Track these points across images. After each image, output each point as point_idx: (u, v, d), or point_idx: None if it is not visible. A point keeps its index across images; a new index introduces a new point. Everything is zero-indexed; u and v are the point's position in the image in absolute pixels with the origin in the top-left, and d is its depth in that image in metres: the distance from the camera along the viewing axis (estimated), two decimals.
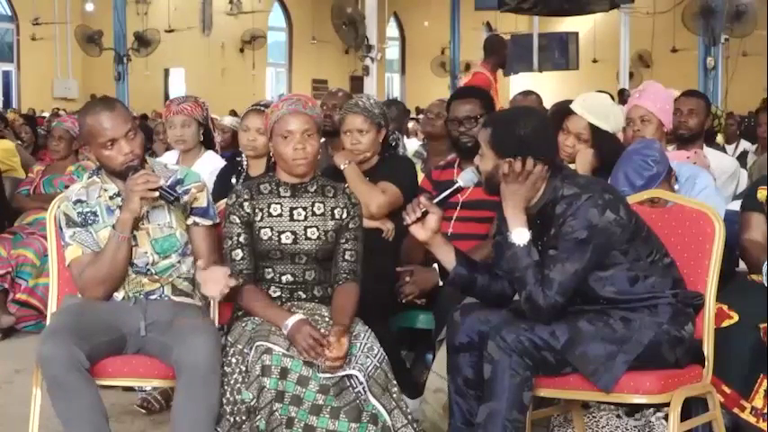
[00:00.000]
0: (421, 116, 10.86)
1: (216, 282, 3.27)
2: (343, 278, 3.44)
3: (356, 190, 3.78)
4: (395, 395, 3.27)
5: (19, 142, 8.72)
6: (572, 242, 3.06)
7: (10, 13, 23.55)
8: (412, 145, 7.57)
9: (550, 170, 3.17)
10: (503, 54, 8.41)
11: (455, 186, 3.36)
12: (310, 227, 3.45)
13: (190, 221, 3.51)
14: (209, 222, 3.53)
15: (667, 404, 3.13)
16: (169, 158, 5.17)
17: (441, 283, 3.91)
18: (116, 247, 3.39)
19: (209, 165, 4.93)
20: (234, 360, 3.25)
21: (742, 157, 8.27)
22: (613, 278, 3.13)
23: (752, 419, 3.45)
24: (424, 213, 3.22)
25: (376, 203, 4.23)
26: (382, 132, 4.38)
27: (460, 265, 3.28)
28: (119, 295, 3.47)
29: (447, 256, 3.29)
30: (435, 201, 3.28)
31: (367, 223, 3.89)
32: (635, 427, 4.01)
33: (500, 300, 3.27)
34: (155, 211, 3.48)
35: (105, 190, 3.50)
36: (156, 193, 3.35)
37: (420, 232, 3.24)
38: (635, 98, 4.54)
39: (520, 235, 3.12)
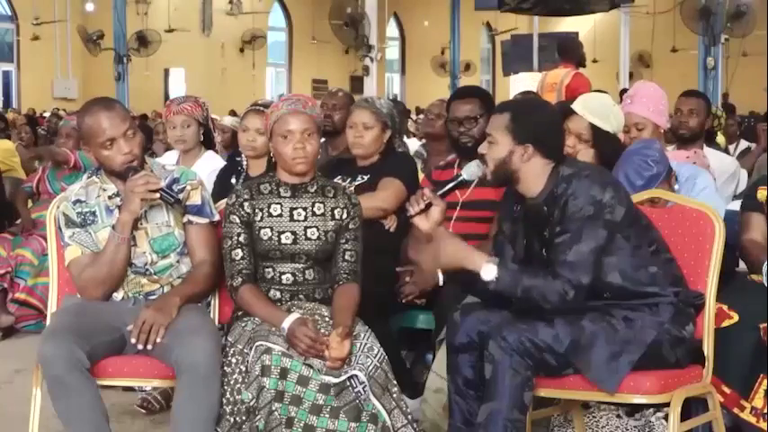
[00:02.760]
0: (420, 116, 10.85)
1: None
2: (344, 278, 3.44)
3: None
4: (395, 395, 3.27)
5: (19, 142, 8.73)
6: (580, 221, 3.05)
7: (10, 13, 23.57)
8: (412, 145, 7.56)
9: (555, 162, 3.18)
10: (579, 53, 8.60)
11: (459, 179, 3.34)
12: (310, 227, 3.45)
13: (184, 220, 3.50)
14: (204, 221, 3.52)
15: (667, 404, 3.13)
16: (169, 158, 5.17)
17: (441, 283, 3.91)
18: (115, 248, 3.39)
19: (209, 165, 4.93)
20: (234, 360, 3.25)
21: (744, 155, 8.27)
22: (617, 264, 3.11)
23: (752, 419, 3.45)
24: (428, 205, 3.22)
25: (380, 199, 4.22)
26: (387, 133, 4.38)
27: None
28: (118, 295, 3.47)
29: None
30: (439, 192, 3.27)
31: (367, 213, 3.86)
32: (635, 427, 4.01)
33: (501, 297, 3.27)
34: (153, 211, 3.48)
35: (104, 190, 3.50)
36: (157, 195, 3.35)
37: (423, 223, 3.24)
38: (627, 104, 4.49)
39: (488, 272, 3.09)
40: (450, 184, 3.33)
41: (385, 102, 4.49)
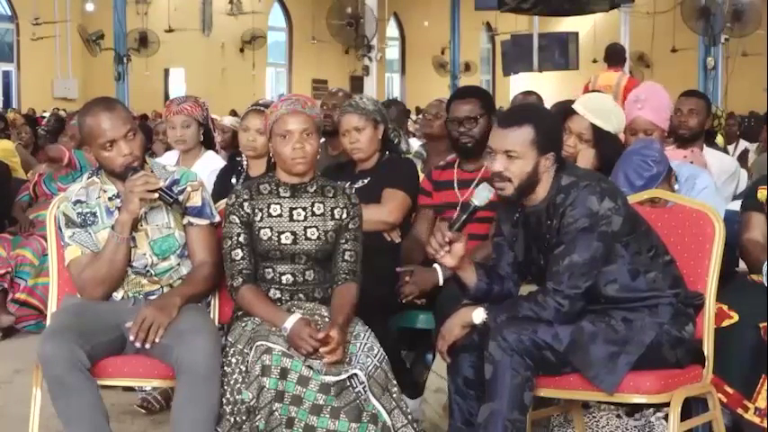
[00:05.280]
0: (419, 116, 10.85)
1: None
2: (343, 278, 3.44)
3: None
4: (395, 395, 3.27)
5: (19, 142, 8.73)
6: (575, 232, 3.06)
7: (10, 13, 23.55)
8: (412, 145, 7.56)
9: (556, 164, 3.18)
10: (624, 57, 9.58)
11: (471, 208, 3.24)
12: (310, 227, 3.45)
13: (185, 221, 3.50)
14: (204, 222, 3.52)
15: (667, 404, 3.13)
16: (169, 159, 5.17)
17: (441, 283, 3.91)
18: (115, 248, 3.38)
19: (210, 165, 4.93)
20: (234, 360, 3.25)
21: (743, 156, 8.28)
22: (615, 273, 3.12)
23: (756, 420, 3.45)
24: (449, 242, 3.20)
25: (386, 212, 4.22)
26: (380, 129, 4.37)
27: (481, 280, 3.27)
28: (118, 295, 3.47)
29: (470, 275, 3.28)
30: (456, 227, 3.22)
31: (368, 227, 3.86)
32: (635, 427, 4.01)
33: (499, 297, 3.28)
34: (153, 212, 3.48)
35: (105, 191, 3.50)
36: (156, 195, 3.34)
37: (449, 260, 3.22)
38: (637, 108, 4.40)
39: (478, 316, 3.15)
40: (465, 216, 3.24)
41: (368, 99, 4.47)
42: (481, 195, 3.26)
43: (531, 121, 3.15)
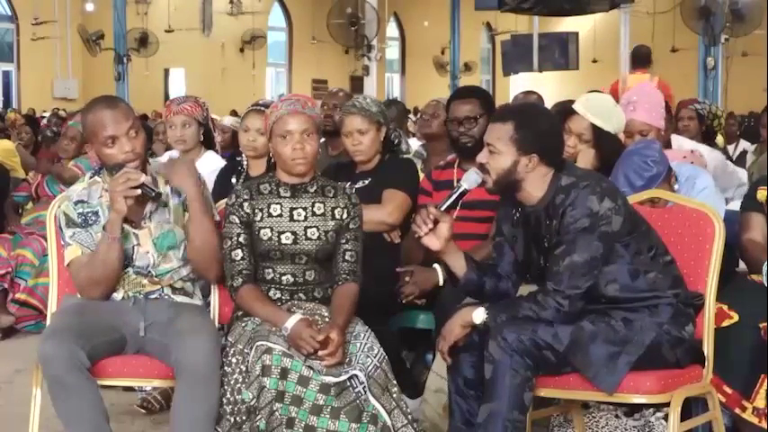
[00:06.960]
0: (418, 117, 10.85)
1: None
2: (343, 279, 3.44)
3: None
4: (395, 395, 3.27)
5: (19, 142, 8.73)
6: (575, 233, 3.06)
7: (10, 13, 23.55)
8: (412, 145, 7.55)
9: (556, 167, 3.17)
10: (650, 59, 9.70)
11: (460, 190, 3.30)
12: (310, 227, 3.45)
13: (186, 219, 3.50)
14: None
15: (667, 404, 3.13)
16: None
17: (441, 283, 3.91)
18: (107, 248, 3.37)
19: (210, 165, 4.92)
20: (234, 360, 3.25)
21: (741, 157, 8.28)
22: (615, 273, 3.12)
23: (754, 419, 3.45)
24: (435, 222, 3.21)
25: (386, 213, 4.22)
26: (382, 130, 4.36)
27: (471, 270, 3.27)
28: (118, 295, 3.47)
29: (458, 262, 3.29)
30: (443, 208, 3.25)
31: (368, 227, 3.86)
32: (634, 427, 4.02)
33: (500, 297, 3.27)
34: (157, 211, 3.47)
35: (107, 190, 3.49)
36: (138, 191, 3.33)
37: (434, 242, 3.23)
38: (629, 110, 4.40)
39: (478, 316, 3.14)
40: (453, 197, 3.28)
41: (371, 99, 4.47)
42: (470, 178, 3.29)
43: (514, 119, 3.16)
